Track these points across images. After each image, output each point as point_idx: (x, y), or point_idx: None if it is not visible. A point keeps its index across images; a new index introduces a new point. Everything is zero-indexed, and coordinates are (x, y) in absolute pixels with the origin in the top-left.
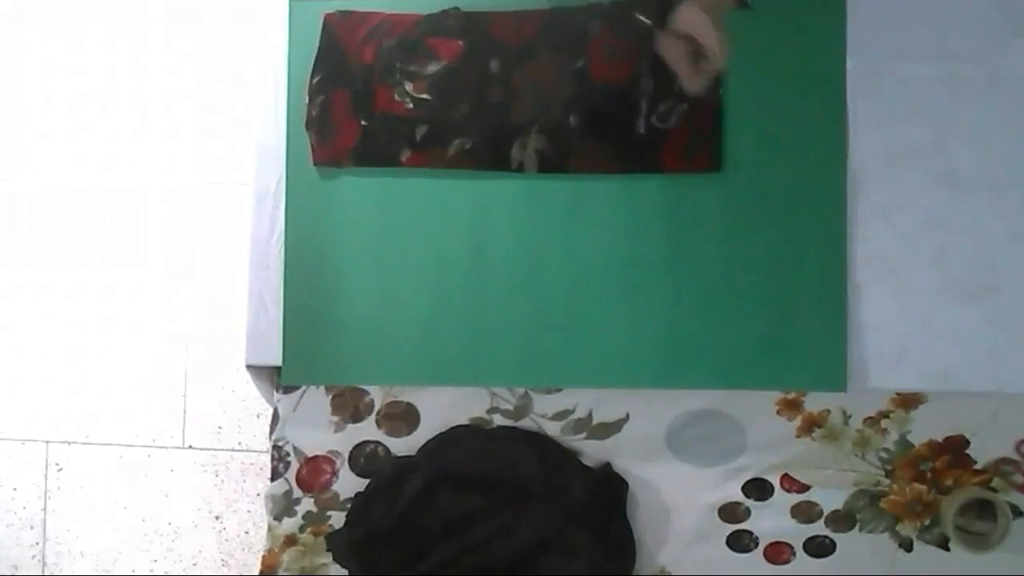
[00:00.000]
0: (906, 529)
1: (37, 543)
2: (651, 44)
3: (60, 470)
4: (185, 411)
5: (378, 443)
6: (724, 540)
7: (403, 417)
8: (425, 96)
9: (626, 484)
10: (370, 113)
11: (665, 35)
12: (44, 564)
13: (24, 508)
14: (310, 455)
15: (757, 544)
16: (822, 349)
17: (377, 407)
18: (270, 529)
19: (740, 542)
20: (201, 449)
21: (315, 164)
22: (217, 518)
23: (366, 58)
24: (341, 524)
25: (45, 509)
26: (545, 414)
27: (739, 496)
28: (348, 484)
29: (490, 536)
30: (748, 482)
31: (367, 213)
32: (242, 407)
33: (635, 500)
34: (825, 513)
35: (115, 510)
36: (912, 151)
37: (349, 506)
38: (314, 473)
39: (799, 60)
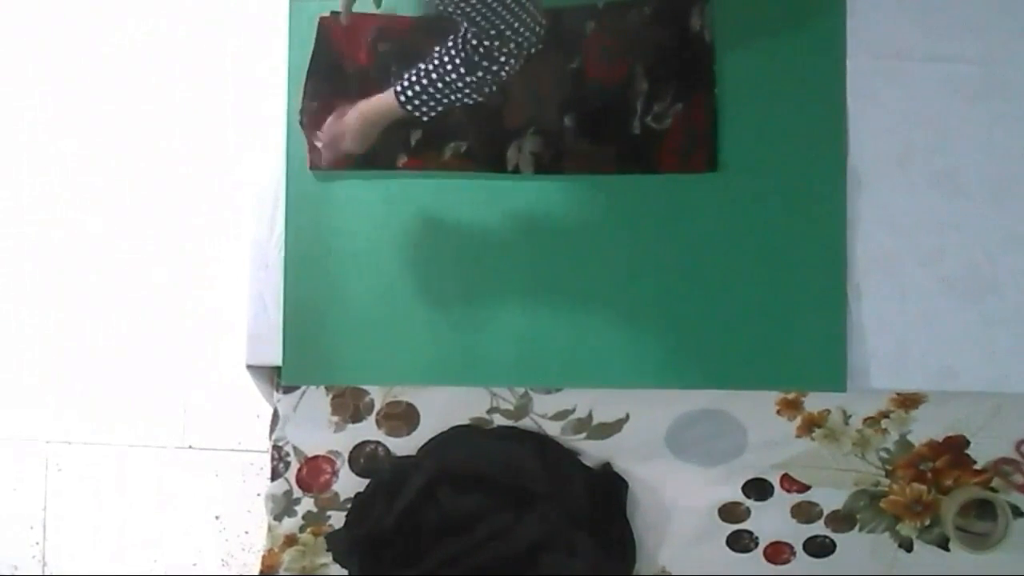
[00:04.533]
0: (906, 529)
1: (37, 543)
2: (645, 45)
3: (60, 470)
4: (185, 411)
5: (378, 443)
6: (724, 540)
7: (403, 417)
8: None
9: (626, 484)
10: None
11: None
12: (44, 564)
13: (24, 508)
14: (310, 455)
15: (757, 544)
16: (822, 349)
17: (377, 407)
18: (270, 529)
19: (740, 542)
20: (201, 449)
21: (311, 169)
22: (217, 518)
23: (361, 61)
24: (341, 524)
25: (45, 509)
26: (545, 414)
27: (739, 496)
28: (348, 484)
29: (490, 536)
30: (748, 482)
31: (366, 214)
32: (242, 407)
33: (635, 500)
34: (825, 513)
35: (115, 510)
36: (912, 151)
37: (349, 506)
38: (314, 473)
39: (799, 60)
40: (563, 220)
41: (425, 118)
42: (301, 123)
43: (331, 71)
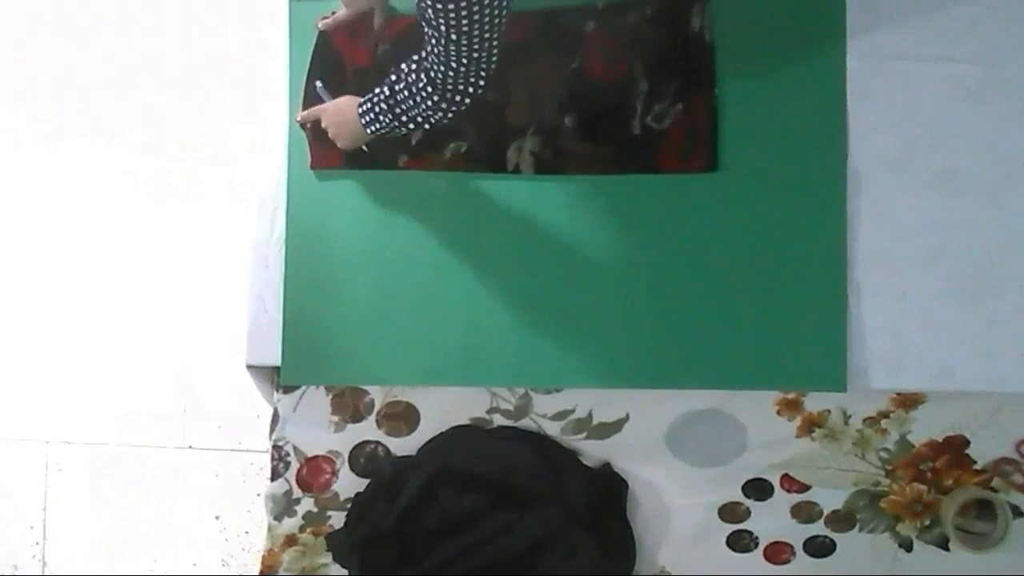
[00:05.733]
0: (906, 529)
1: (37, 543)
2: (645, 45)
3: (60, 470)
4: (185, 411)
5: (378, 443)
6: (724, 540)
7: (403, 417)
8: None
9: (626, 484)
10: None
11: None
12: (44, 564)
13: (24, 508)
14: (310, 455)
15: (757, 544)
16: (822, 349)
17: (377, 407)
18: (270, 529)
19: (740, 542)
20: (201, 449)
21: (312, 168)
22: (217, 518)
23: (361, 61)
24: (341, 524)
25: (45, 509)
26: (545, 414)
27: (739, 496)
28: (348, 484)
29: (490, 536)
30: (748, 482)
31: (367, 214)
32: (242, 407)
33: (635, 500)
34: (825, 513)
35: (115, 510)
36: (912, 151)
37: (349, 506)
38: (314, 473)
39: (799, 60)
40: (563, 220)
41: (370, 129)
42: (302, 124)
43: (332, 72)
